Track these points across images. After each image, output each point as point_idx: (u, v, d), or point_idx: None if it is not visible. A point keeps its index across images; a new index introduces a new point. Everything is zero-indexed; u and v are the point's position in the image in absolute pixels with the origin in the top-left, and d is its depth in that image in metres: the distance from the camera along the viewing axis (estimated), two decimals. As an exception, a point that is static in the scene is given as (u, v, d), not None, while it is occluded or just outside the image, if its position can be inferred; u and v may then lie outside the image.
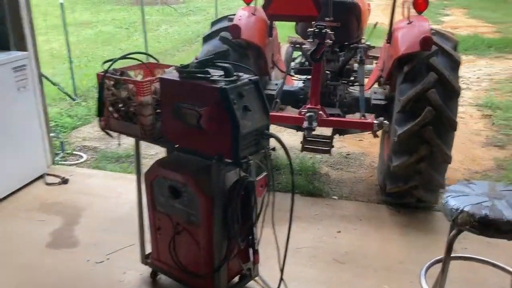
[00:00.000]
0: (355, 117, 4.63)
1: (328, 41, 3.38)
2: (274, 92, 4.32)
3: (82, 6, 17.08)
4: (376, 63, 5.76)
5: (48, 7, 16.18)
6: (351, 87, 4.55)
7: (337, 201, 4.26)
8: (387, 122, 3.56)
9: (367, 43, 4.57)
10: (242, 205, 2.58)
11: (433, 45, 3.56)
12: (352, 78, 4.61)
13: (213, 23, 4.22)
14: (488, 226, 2.06)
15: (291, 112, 5.05)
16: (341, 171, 4.95)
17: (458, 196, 2.23)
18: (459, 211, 2.14)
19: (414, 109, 3.57)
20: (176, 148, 2.74)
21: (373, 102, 4.18)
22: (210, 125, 2.38)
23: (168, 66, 3.00)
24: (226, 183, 2.58)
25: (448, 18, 14.73)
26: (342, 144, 5.46)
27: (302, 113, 3.52)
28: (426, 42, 3.49)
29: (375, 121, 3.54)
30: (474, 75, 8.46)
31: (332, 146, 3.95)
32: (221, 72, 2.48)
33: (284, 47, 5.83)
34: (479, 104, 6.88)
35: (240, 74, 2.49)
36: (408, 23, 3.81)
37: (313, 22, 3.57)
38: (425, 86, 3.53)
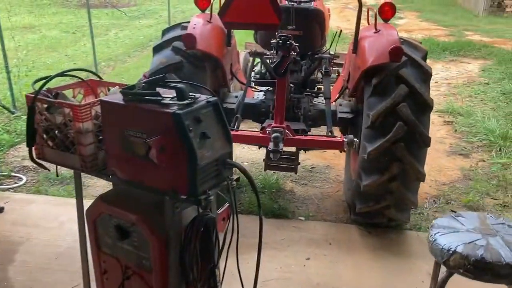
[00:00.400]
0: (320, 131, 4.39)
1: (293, 53, 3.08)
2: (234, 106, 3.99)
3: (24, 8, 16.12)
4: (337, 70, 5.55)
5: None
6: (315, 99, 4.29)
7: (304, 222, 3.97)
8: (357, 141, 3.30)
9: (331, 52, 4.32)
10: (201, 245, 2.22)
11: (403, 56, 3.34)
12: (316, 90, 4.35)
13: (165, 32, 3.84)
14: (485, 270, 1.81)
15: (252, 126, 4.74)
16: (306, 186, 4.68)
17: (447, 233, 1.98)
18: (450, 252, 1.88)
19: (384, 125, 3.33)
20: (123, 181, 2.35)
21: (339, 115, 3.93)
22: (162, 157, 2.01)
23: (113, 84, 2.61)
24: (182, 222, 2.22)
25: (402, 21, 14.89)
26: (306, 156, 5.19)
27: (267, 131, 3.19)
28: (396, 53, 3.26)
29: (345, 139, 3.27)
30: (432, 79, 8.41)
31: (299, 163, 3.66)
32: (174, 93, 2.11)
33: (242, 54, 5.52)
34: (440, 110, 6.81)
35: (197, 95, 2.13)
36: (375, 32, 3.57)
37: (276, 33, 3.26)
38: (395, 99, 3.30)
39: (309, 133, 3.79)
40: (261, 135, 3.25)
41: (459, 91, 7.83)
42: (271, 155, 2.99)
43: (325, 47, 4.69)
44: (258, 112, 4.07)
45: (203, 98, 2.15)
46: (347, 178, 4.24)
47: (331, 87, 4.48)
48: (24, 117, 6.23)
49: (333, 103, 4.10)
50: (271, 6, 3.27)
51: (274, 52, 3.02)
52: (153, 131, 2.00)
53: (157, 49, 3.66)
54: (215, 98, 2.20)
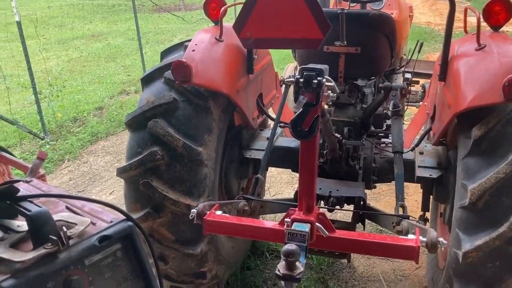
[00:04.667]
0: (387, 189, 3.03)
1: (331, 94, 1.82)
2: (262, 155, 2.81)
3: (101, 15, 16.10)
4: (422, 87, 4.16)
5: (65, 19, 15.32)
6: (383, 141, 2.98)
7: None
8: (445, 242, 1.95)
9: (407, 74, 2.96)
10: None
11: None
12: (385, 128, 3.02)
13: (164, 54, 2.74)
14: None
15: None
16: (372, 258, 3.37)
17: None
18: None
19: (493, 208, 1.98)
20: None
21: (419, 173, 2.59)
22: None
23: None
24: None
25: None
26: (370, 201, 3.85)
27: (286, 223, 1.95)
28: (516, 88, 1.88)
29: (422, 240, 1.92)
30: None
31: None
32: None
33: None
34: None
35: (81, 223, 1.02)
36: (478, 48, 2.20)
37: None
38: (514, 167, 1.92)
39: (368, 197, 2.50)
40: (276, 227, 1.99)
41: None
42: (283, 284, 1.74)
43: (400, 62, 3.33)
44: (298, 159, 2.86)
45: (92, 231, 1.03)
46: (431, 258, 2.88)
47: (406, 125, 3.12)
48: (53, 143, 5.58)
49: (410, 150, 2.74)
50: (311, 13, 2.03)
51: (294, 100, 1.74)
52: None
53: (145, 81, 2.58)
54: (128, 224, 1.08)
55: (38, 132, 5.65)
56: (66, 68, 8.86)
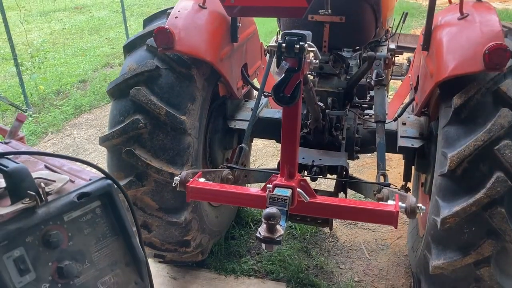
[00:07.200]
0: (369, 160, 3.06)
1: (313, 61, 1.81)
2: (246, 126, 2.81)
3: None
4: (408, 60, 4.17)
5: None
6: (366, 113, 2.99)
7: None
8: (424, 208, 1.99)
9: (391, 45, 2.96)
10: None
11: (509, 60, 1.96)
12: (369, 99, 3.04)
13: (147, 22, 2.70)
14: None
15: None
16: (355, 228, 3.44)
17: None
18: None
19: (471, 175, 2.02)
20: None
21: (401, 143, 2.62)
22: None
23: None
24: None
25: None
26: (354, 171, 3.91)
27: (267, 189, 1.96)
28: (497, 56, 1.90)
29: (401, 206, 1.96)
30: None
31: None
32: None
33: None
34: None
35: (60, 180, 1.02)
36: (460, 18, 2.21)
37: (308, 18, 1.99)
38: (492, 134, 1.96)
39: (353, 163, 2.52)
40: (259, 193, 2.00)
41: None
42: (264, 246, 1.77)
43: (386, 34, 3.32)
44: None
45: (71, 188, 1.04)
46: (412, 227, 2.95)
47: (390, 97, 3.14)
48: (35, 116, 5.50)
49: (393, 121, 2.77)
50: (295, -19, 2.03)
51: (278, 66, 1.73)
52: None
53: (127, 49, 2.54)
54: (106, 182, 1.08)
55: (21, 105, 5.56)
56: (48, 40, 8.69)
